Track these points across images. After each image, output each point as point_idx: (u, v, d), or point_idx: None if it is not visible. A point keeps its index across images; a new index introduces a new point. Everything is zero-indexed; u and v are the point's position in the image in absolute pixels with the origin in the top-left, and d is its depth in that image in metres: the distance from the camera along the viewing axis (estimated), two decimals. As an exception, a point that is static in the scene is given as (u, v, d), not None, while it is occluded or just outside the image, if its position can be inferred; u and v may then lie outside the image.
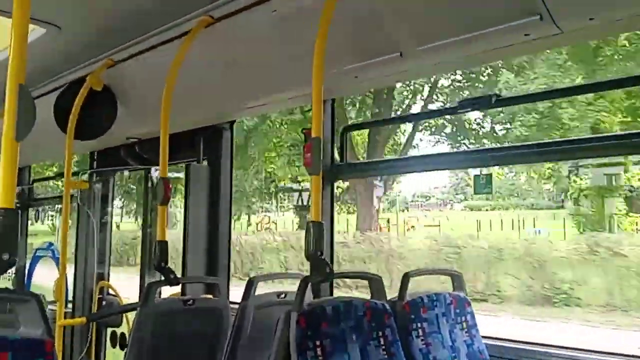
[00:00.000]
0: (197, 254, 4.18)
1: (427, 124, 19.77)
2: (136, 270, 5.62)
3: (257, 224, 28.42)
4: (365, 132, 19.64)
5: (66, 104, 3.94)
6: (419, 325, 2.60)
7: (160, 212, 3.38)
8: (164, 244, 3.30)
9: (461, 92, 18.16)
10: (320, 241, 2.24)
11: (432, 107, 19.48)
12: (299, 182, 25.15)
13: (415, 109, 20.13)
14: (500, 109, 14.29)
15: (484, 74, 17.23)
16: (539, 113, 15.07)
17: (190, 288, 3.98)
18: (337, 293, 3.98)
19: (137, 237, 17.80)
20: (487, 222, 25.68)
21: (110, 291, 5.14)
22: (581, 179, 19.65)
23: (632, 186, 19.32)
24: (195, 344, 3.30)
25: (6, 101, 1.80)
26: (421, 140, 21.52)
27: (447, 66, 3.29)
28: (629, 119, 14.81)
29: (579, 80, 13.64)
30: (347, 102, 18.91)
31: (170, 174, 3.36)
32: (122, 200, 25.65)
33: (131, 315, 3.72)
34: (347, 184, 23.94)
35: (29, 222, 6.80)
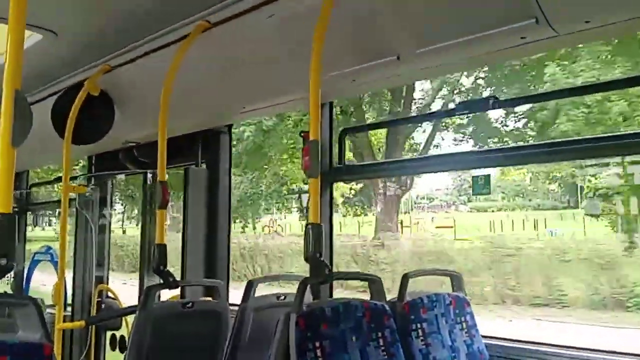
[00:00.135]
0: (196, 256, 4.19)
1: (445, 123, 18.75)
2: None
3: (263, 227, 27.91)
4: (382, 132, 18.94)
5: (64, 109, 3.95)
6: (418, 325, 2.61)
7: (159, 215, 3.39)
8: (162, 247, 3.31)
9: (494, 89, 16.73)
10: (319, 243, 2.26)
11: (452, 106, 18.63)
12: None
13: (435, 107, 18.95)
14: (541, 103, 13.97)
15: (528, 67, 15.40)
16: (586, 106, 13.99)
17: (190, 291, 3.99)
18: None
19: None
20: (499, 223, 24.76)
21: (110, 294, 5.14)
22: (596, 178, 19.20)
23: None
24: (194, 347, 3.30)
25: (2, 107, 1.80)
26: (443, 139, 20.00)
27: (443, 69, 3.30)
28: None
29: (617, 74, 12.60)
30: (366, 100, 18.17)
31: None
32: (124, 205, 25.53)
33: (130, 318, 3.72)
34: (360, 185, 23.77)
35: (29, 227, 6.79)
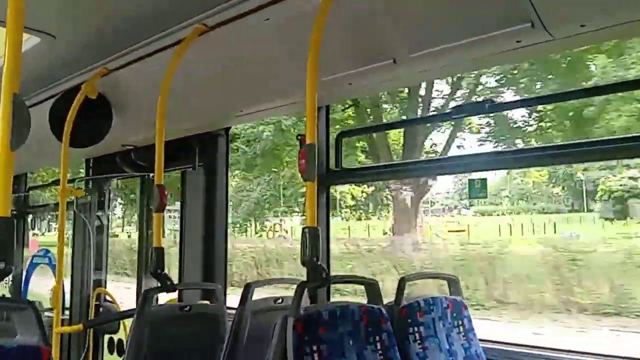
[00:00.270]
0: (194, 260, 4.19)
1: (466, 123, 17.62)
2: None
3: (267, 231, 27.47)
4: (399, 132, 18.10)
5: (61, 112, 3.95)
6: (415, 329, 2.61)
7: (157, 219, 3.39)
8: (160, 251, 3.30)
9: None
10: (316, 246, 2.26)
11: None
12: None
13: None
14: (585, 99, 12.76)
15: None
16: (638, 101, 12.96)
17: (187, 294, 3.99)
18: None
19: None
20: (507, 227, 23.64)
21: (108, 297, 5.14)
22: (610, 180, 19.03)
23: None
24: (192, 350, 3.30)
25: (0, 110, 1.80)
26: (464, 139, 18.75)
27: (439, 72, 3.31)
28: None
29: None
30: (383, 99, 17.33)
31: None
32: (124, 210, 25.36)
33: (129, 322, 3.72)
34: (372, 188, 23.48)
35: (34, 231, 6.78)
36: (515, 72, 14.79)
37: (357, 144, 17.29)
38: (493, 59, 2.56)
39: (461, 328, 2.77)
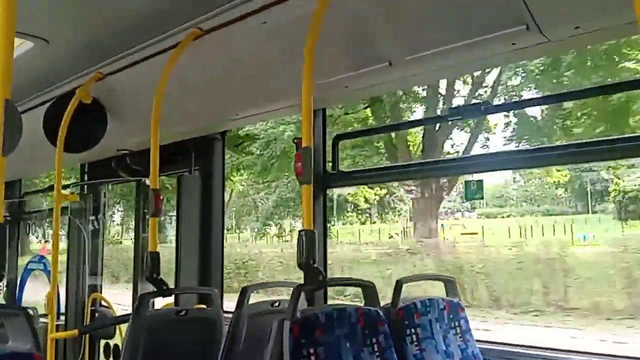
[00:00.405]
0: (190, 264, 4.18)
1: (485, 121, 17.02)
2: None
3: (273, 236, 26.28)
4: (417, 132, 17.71)
5: (56, 117, 3.93)
6: (412, 331, 2.61)
7: (152, 223, 3.38)
8: (155, 255, 3.29)
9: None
10: (313, 249, 2.26)
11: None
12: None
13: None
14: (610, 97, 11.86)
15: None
16: None
17: (184, 298, 3.97)
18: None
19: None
20: (517, 229, 23.20)
21: (103, 303, 5.12)
22: (623, 180, 18.66)
23: None
24: (188, 354, 3.28)
25: None
26: (488, 139, 18.13)
27: (435, 74, 3.32)
28: None
29: None
30: (402, 97, 16.85)
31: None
32: (122, 217, 25.16)
33: (124, 327, 3.70)
34: (384, 191, 23.25)
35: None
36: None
37: (377, 144, 16.97)
38: (488, 61, 2.57)
39: (458, 329, 2.77)
